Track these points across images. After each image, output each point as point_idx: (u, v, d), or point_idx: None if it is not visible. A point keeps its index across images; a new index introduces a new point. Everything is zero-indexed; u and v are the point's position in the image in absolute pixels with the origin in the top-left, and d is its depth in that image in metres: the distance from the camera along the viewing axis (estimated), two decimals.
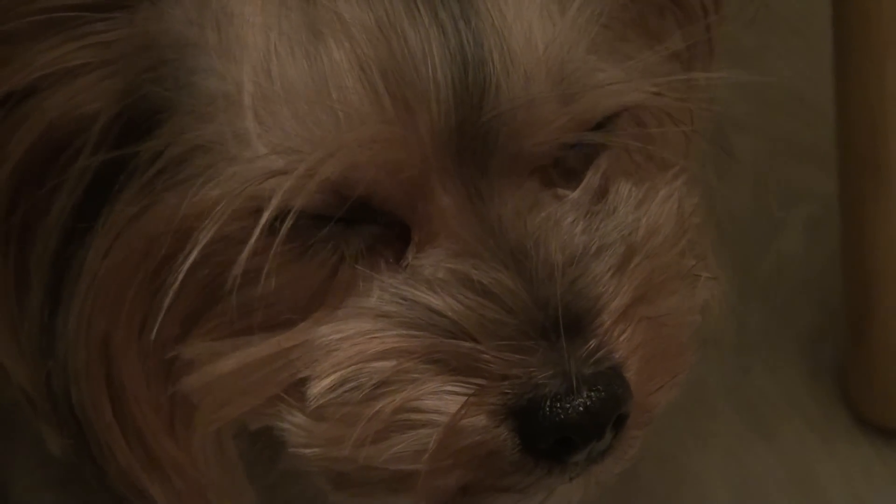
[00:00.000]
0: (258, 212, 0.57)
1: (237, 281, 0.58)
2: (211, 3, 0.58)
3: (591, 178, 0.62)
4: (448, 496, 0.61)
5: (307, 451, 0.61)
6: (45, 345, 0.63)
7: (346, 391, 0.59)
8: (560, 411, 0.57)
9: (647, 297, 0.61)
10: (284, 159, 0.56)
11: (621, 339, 0.59)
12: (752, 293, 1.14)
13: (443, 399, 0.58)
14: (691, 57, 0.67)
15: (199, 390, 0.62)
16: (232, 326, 0.60)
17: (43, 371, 0.63)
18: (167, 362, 0.62)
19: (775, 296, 1.15)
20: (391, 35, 0.56)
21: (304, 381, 0.60)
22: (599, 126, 0.61)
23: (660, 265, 0.62)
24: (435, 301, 0.58)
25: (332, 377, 0.59)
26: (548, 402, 0.57)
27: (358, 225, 0.59)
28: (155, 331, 0.60)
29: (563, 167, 0.62)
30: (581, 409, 0.57)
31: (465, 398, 0.57)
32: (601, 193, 0.62)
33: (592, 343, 0.58)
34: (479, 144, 0.58)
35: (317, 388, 0.59)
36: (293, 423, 0.61)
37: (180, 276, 0.58)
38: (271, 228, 0.57)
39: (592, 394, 0.57)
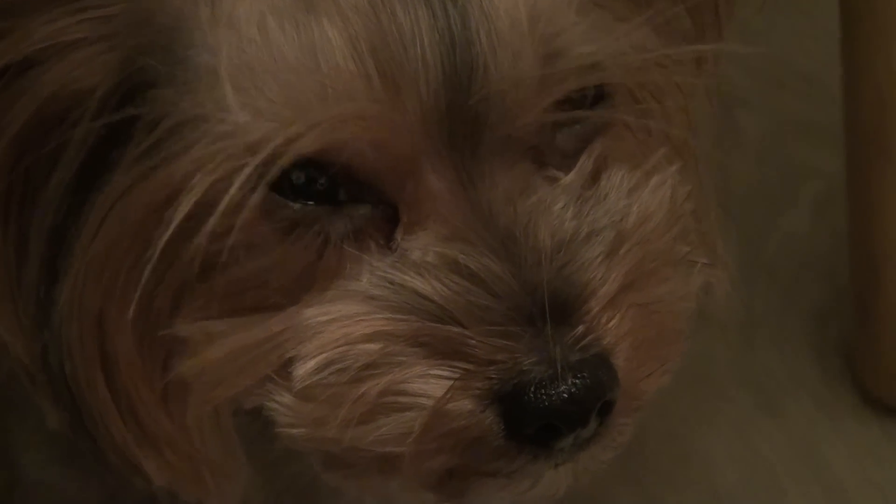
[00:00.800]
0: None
1: (210, 251, 0.58)
2: None
3: (585, 162, 0.62)
4: (435, 479, 0.61)
5: (294, 431, 0.61)
6: (41, 318, 0.63)
7: (331, 372, 0.59)
8: (544, 397, 0.57)
9: (638, 284, 0.60)
10: (268, 126, 0.56)
11: (609, 325, 0.59)
12: (759, 272, 1.15)
13: (429, 383, 0.58)
14: (699, 32, 0.67)
15: (193, 373, 0.62)
16: (222, 305, 0.60)
17: (39, 344, 0.63)
18: (161, 337, 0.62)
19: (782, 274, 1.15)
20: (382, 14, 0.57)
21: (292, 362, 0.60)
22: (592, 104, 0.61)
23: (651, 252, 0.61)
24: (423, 285, 0.58)
25: (318, 358, 0.59)
26: (532, 388, 0.57)
27: (346, 206, 0.59)
28: (145, 302, 0.60)
29: (559, 150, 0.62)
30: (565, 395, 0.57)
31: (451, 382, 0.57)
32: (595, 178, 0.62)
33: (579, 329, 0.58)
34: (468, 126, 0.58)
35: (303, 369, 0.59)
36: (280, 403, 0.61)
37: (160, 245, 0.58)
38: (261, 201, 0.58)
39: (577, 380, 0.57)
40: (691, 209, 0.66)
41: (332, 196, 0.59)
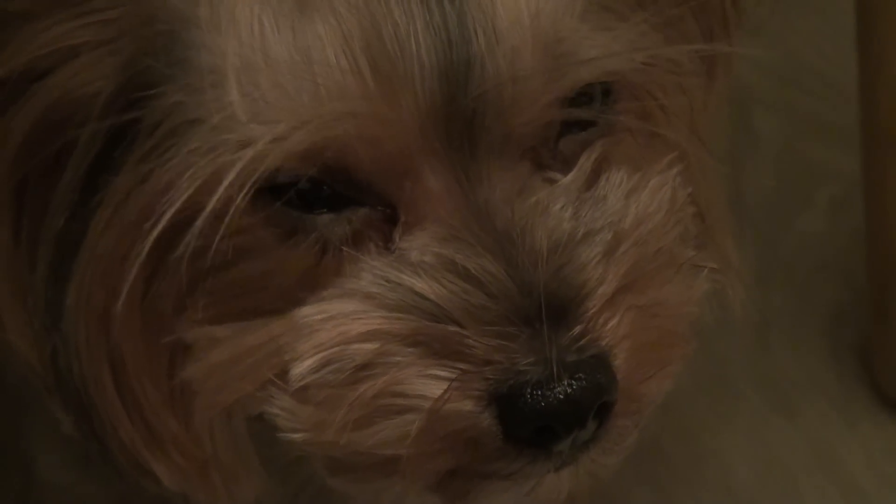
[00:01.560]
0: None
1: (214, 254, 0.58)
2: None
3: (584, 164, 0.61)
4: (436, 480, 0.61)
5: (295, 435, 0.61)
6: (50, 321, 0.63)
7: (328, 372, 0.58)
8: (540, 398, 0.57)
9: (637, 286, 0.60)
10: (260, 129, 0.56)
11: (607, 326, 0.59)
12: (775, 272, 1.14)
13: (426, 383, 0.58)
14: (706, 34, 0.67)
15: (198, 378, 0.62)
16: (224, 308, 0.61)
17: (48, 347, 0.64)
18: (167, 339, 0.63)
19: (798, 275, 1.15)
20: (376, 11, 0.56)
21: (290, 363, 0.60)
22: (592, 103, 0.61)
23: (649, 253, 0.61)
24: (420, 284, 0.58)
25: (315, 358, 0.59)
26: (528, 389, 0.57)
27: (344, 209, 0.59)
28: (150, 304, 0.61)
29: (559, 152, 0.62)
30: (561, 396, 0.57)
31: (449, 382, 0.57)
32: (594, 179, 0.62)
33: (576, 330, 0.58)
34: (466, 125, 0.58)
35: (299, 369, 0.59)
36: (280, 407, 0.61)
37: (151, 239, 0.58)
38: (253, 206, 0.58)
39: (574, 381, 0.57)
40: (693, 212, 0.66)
41: (331, 202, 0.59)
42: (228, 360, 0.61)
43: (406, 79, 0.56)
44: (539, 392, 0.57)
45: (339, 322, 0.58)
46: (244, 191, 0.57)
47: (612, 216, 0.61)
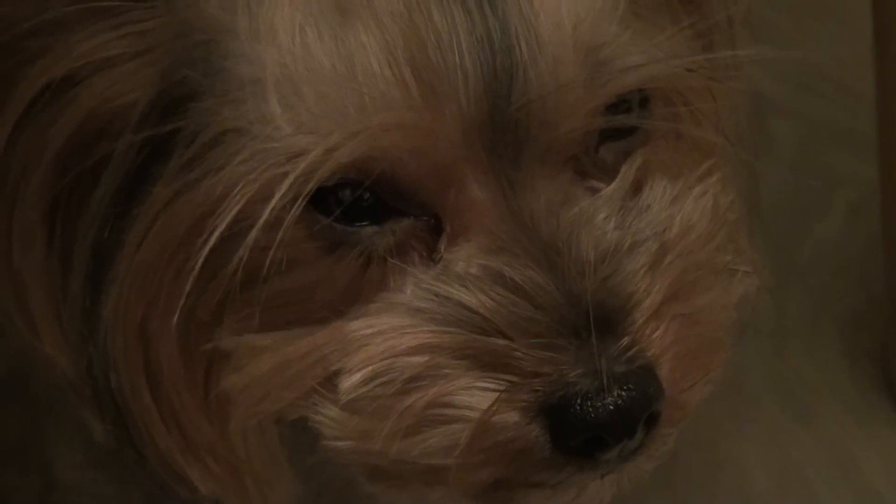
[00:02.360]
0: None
1: (256, 266, 0.58)
2: None
3: (626, 173, 0.62)
4: (480, 490, 0.61)
5: (340, 443, 0.61)
6: (86, 331, 0.63)
7: (377, 385, 0.59)
8: (591, 410, 0.57)
9: (681, 295, 0.60)
10: (307, 138, 0.56)
11: (654, 336, 0.59)
12: (792, 278, 1.14)
13: (474, 395, 0.58)
14: (713, 37, 0.67)
15: (238, 388, 0.62)
16: (265, 317, 0.60)
17: (84, 357, 0.64)
18: (205, 348, 0.63)
19: (815, 280, 1.15)
20: (419, 21, 0.56)
21: (337, 375, 0.60)
22: (630, 110, 0.61)
23: (693, 262, 0.61)
24: (468, 298, 0.58)
25: (364, 371, 0.59)
26: (578, 401, 0.57)
27: (388, 220, 0.59)
28: (188, 313, 0.60)
29: (600, 160, 0.62)
30: (612, 407, 0.57)
31: (497, 394, 0.57)
32: (636, 188, 0.62)
33: (625, 341, 0.58)
34: (510, 134, 0.58)
35: (349, 382, 0.59)
36: (326, 416, 0.61)
37: (202, 257, 0.58)
38: (300, 217, 0.58)
39: (623, 392, 0.57)
40: (734, 218, 0.66)
41: (375, 213, 0.59)
42: (271, 370, 0.61)
43: (450, 88, 0.56)
44: (589, 403, 0.57)
45: (388, 336, 0.58)
46: (296, 204, 0.57)
47: (657, 226, 0.61)
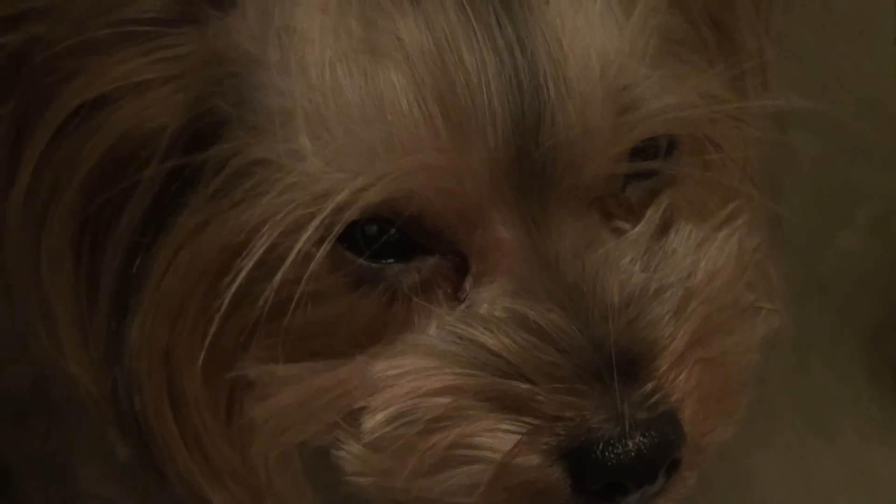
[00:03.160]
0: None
1: (286, 301, 0.59)
2: (274, 20, 0.58)
3: (652, 216, 0.61)
4: None
5: (362, 479, 0.61)
6: (111, 353, 0.64)
7: (401, 425, 0.59)
8: (612, 456, 0.57)
9: (704, 340, 0.60)
10: (336, 177, 0.56)
11: (677, 382, 0.59)
12: (813, 291, 1.14)
13: (497, 436, 0.58)
14: (744, 84, 0.67)
15: (262, 418, 0.62)
16: (290, 348, 0.61)
17: (109, 379, 0.64)
18: (228, 374, 0.63)
19: (836, 294, 1.15)
20: (449, 60, 0.56)
21: (360, 411, 0.60)
22: (658, 152, 0.61)
23: (717, 307, 0.61)
24: (491, 341, 0.58)
25: (388, 411, 0.59)
26: (600, 446, 0.57)
27: (413, 258, 0.59)
28: (213, 340, 0.61)
29: (626, 200, 0.62)
30: (633, 454, 0.57)
31: (519, 437, 0.57)
32: (663, 229, 0.62)
33: (648, 387, 0.58)
34: (536, 175, 0.57)
35: (372, 422, 0.59)
36: (349, 452, 0.61)
37: (229, 295, 0.58)
38: (327, 252, 0.58)
39: (645, 439, 0.57)
40: (762, 256, 0.65)
41: (400, 250, 0.59)
42: (295, 402, 0.61)
43: (478, 129, 0.56)
44: (611, 449, 0.57)
45: (413, 377, 0.59)
46: (324, 244, 0.57)
47: (682, 271, 0.61)
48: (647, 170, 0.61)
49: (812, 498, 1.03)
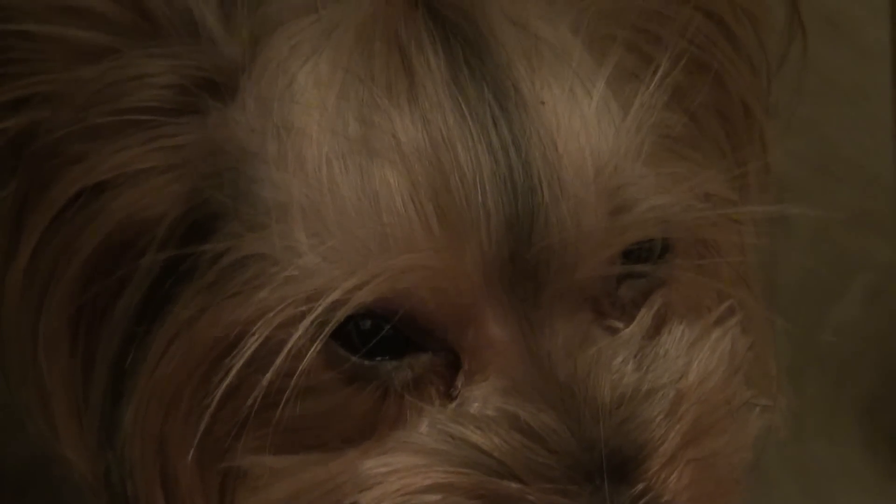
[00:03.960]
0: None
1: (278, 394, 0.59)
2: (273, 115, 0.58)
3: (645, 316, 0.61)
4: None
5: None
6: (105, 438, 0.64)
7: None
8: None
9: (696, 441, 0.60)
10: (331, 275, 0.56)
11: (668, 483, 0.58)
12: (810, 360, 1.14)
13: None
14: (746, 179, 0.67)
15: None
16: (282, 439, 0.61)
17: (102, 463, 0.64)
18: (222, 462, 0.63)
19: (833, 363, 1.15)
20: (444, 159, 0.56)
21: None
22: (651, 254, 0.61)
23: (709, 408, 0.61)
24: (482, 440, 0.58)
25: None
26: None
27: (406, 355, 0.59)
28: (206, 429, 0.60)
29: (619, 299, 0.61)
30: None
31: None
32: (656, 327, 0.62)
33: (638, 487, 0.57)
34: (530, 275, 0.57)
35: None
36: None
37: (219, 392, 0.58)
38: (322, 349, 0.58)
39: None
40: (759, 353, 0.65)
41: (393, 347, 0.59)
42: (285, 496, 0.61)
43: (472, 228, 0.56)
44: None
45: (403, 475, 0.58)
46: (317, 342, 0.57)
47: (673, 373, 0.60)
48: (641, 273, 0.61)
49: None
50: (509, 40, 0.59)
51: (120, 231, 0.61)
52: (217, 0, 0.60)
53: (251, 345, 0.57)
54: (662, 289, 0.62)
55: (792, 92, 0.70)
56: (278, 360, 0.57)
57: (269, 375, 0.57)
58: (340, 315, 0.56)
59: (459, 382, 0.59)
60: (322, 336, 0.57)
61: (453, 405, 0.59)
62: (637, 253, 0.61)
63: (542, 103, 0.58)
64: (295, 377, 0.58)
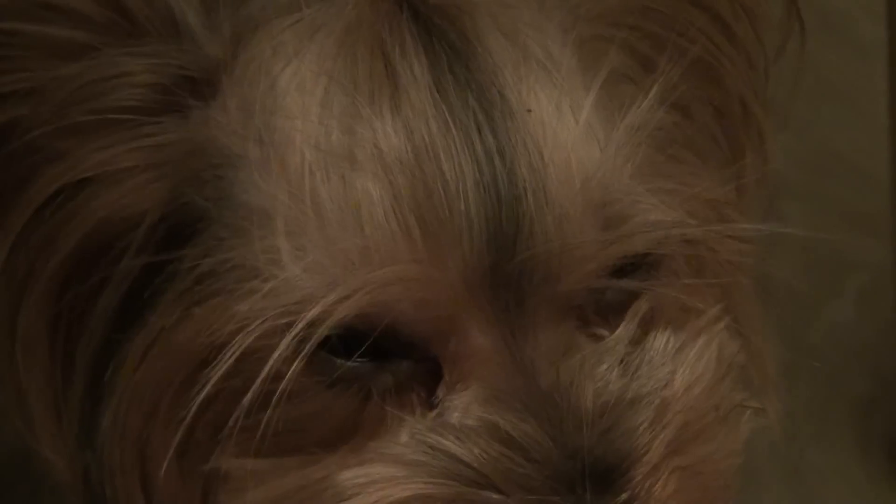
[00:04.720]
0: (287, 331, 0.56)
1: (259, 399, 0.58)
2: (255, 117, 0.57)
3: (630, 322, 0.60)
4: None
5: None
6: (84, 439, 0.63)
7: None
8: None
9: (682, 448, 0.59)
10: (313, 284, 0.56)
11: (653, 491, 0.58)
12: (802, 363, 1.13)
13: None
14: (739, 186, 0.66)
15: None
16: (262, 442, 0.60)
17: (81, 464, 0.64)
18: (204, 465, 0.62)
19: (826, 365, 1.14)
20: (427, 169, 0.55)
21: None
22: (636, 269, 0.60)
23: (696, 415, 0.60)
24: (462, 451, 0.57)
25: None
26: None
27: (388, 361, 0.58)
28: (186, 432, 0.60)
29: (604, 305, 0.60)
30: None
31: None
32: (642, 334, 0.61)
33: (622, 497, 0.57)
34: (513, 285, 0.57)
35: None
36: None
37: (197, 402, 0.58)
38: (300, 354, 0.57)
39: None
40: (749, 358, 0.65)
41: (374, 354, 0.58)
42: (265, 500, 0.60)
43: (454, 238, 0.55)
44: None
45: (382, 486, 0.57)
46: (299, 357, 0.56)
47: (659, 380, 0.59)
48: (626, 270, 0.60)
49: None
50: (496, 46, 0.58)
51: (99, 231, 0.60)
52: None
53: (230, 356, 0.57)
54: (649, 293, 0.61)
55: (787, 90, 0.70)
56: (257, 382, 0.56)
57: (249, 396, 0.57)
58: (322, 332, 0.56)
59: (441, 392, 0.59)
60: (304, 353, 0.56)
61: (433, 414, 0.58)
62: (623, 267, 0.60)
63: (529, 111, 0.57)
64: (278, 386, 0.57)
